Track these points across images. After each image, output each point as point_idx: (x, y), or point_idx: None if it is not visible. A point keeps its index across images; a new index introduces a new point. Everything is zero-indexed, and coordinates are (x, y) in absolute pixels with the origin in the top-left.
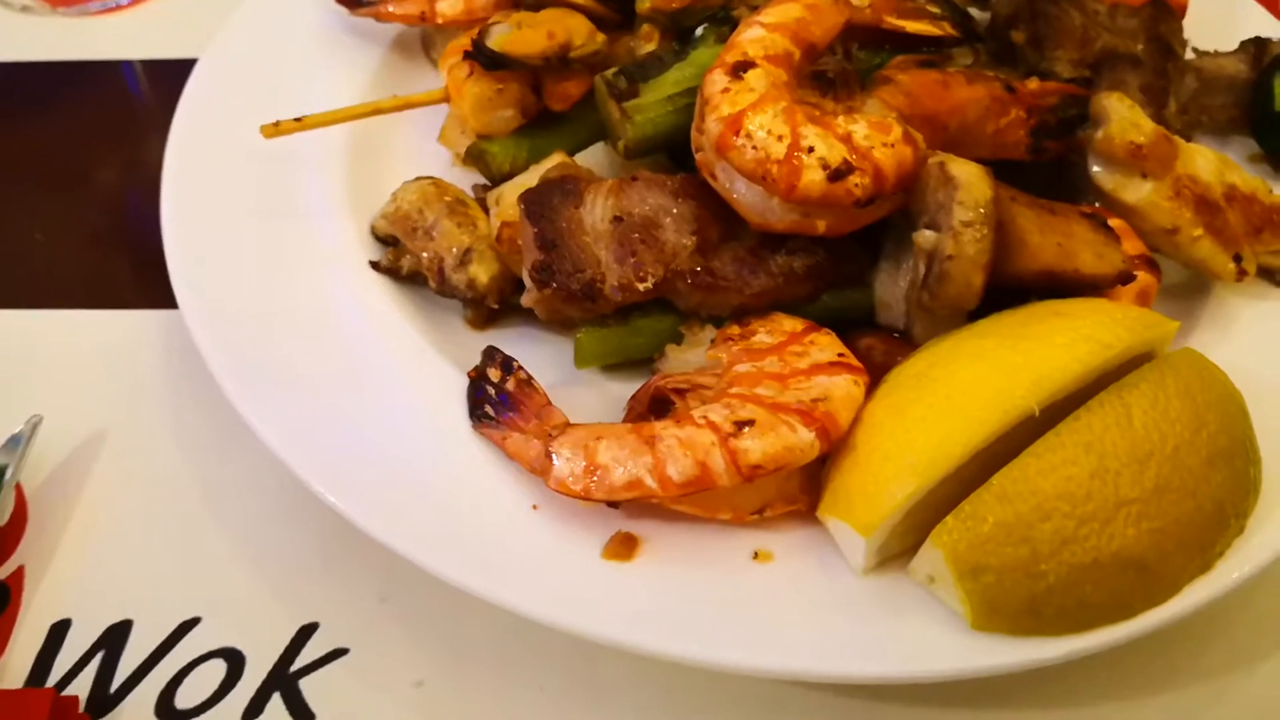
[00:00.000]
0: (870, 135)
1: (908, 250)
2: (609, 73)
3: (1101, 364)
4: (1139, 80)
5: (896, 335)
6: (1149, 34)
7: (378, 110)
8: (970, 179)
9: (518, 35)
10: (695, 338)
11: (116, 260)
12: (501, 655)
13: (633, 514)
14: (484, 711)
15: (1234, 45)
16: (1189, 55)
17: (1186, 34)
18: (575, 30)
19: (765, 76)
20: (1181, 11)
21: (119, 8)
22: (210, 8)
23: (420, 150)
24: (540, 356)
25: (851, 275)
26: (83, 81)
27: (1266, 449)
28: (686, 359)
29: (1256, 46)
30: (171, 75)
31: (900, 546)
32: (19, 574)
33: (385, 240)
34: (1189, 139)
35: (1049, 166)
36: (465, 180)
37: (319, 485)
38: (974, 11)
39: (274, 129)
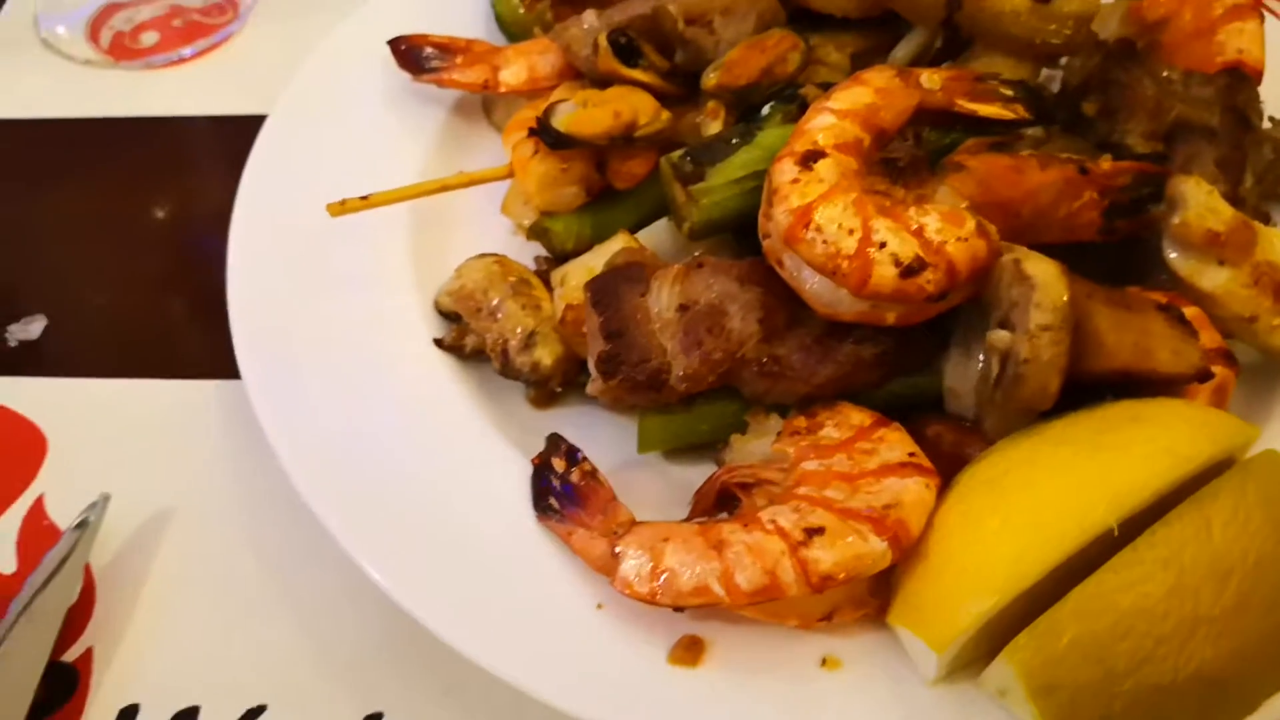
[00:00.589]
0: (943, 229)
1: (978, 338)
2: (674, 155)
3: (1181, 476)
4: (1214, 154)
5: (966, 424)
6: (1225, 104)
7: (445, 187)
8: (1048, 280)
9: (583, 115)
10: (761, 427)
11: (179, 328)
12: None
13: (698, 616)
14: None
15: None
16: (1265, 124)
17: (1264, 97)
18: (641, 109)
19: (836, 166)
20: (1258, 78)
21: (181, 61)
22: (274, 62)
23: (484, 218)
24: (603, 437)
25: (921, 361)
26: (145, 137)
27: None
28: (751, 449)
29: None
30: (235, 132)
31: (972, 656)
32: (88, 656)
33: (449, 316)
34: (1266, 212)
35: (1119, 246)
36: (528, 249)
37: (381, 577)
38: (1045, 71)
39: (340, 207)
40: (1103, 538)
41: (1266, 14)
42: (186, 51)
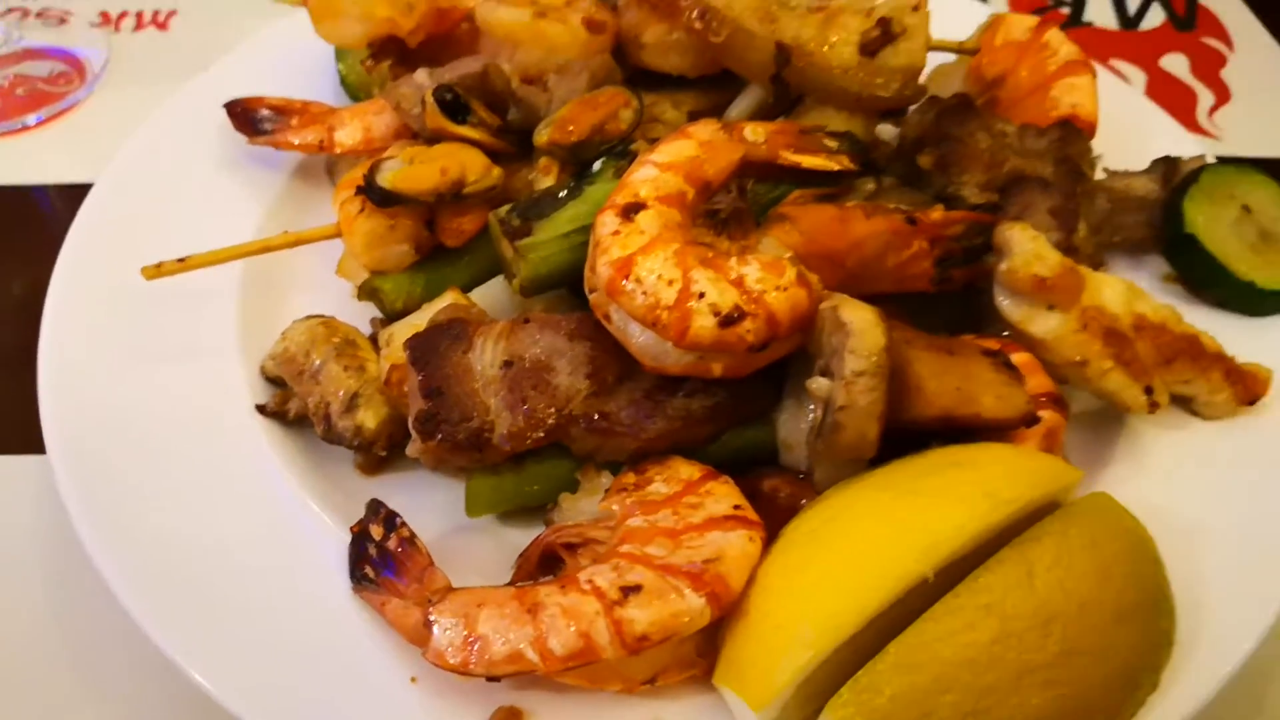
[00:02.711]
0: (763, 278)
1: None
2: (501, 210)
3: (1001, 520)
4: (1048, 204)
5: (801, 476)
6: (1057, 156)
7: (266, 248)
8: (863, 326)
9: (409, 172)
10: (591, 484)
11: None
12: None
13: (518, 685)
14: None
15: (1146, 161)
16: (1100, 174)
17: (1099, 150)
18: (469, 165)
19: (657, 218)
20: (1091, 131)
21: (24, 129)
22: (120, 130)
23: (321, 281)
24: (433, 503)
25: (754, 413)
26: None
27: (1182, 597)
28: (581, 508)
29: (1167, 166)
30: (77, 199)
31: (800, 714)
32: None
33: (274, 381)
34: (1101, 260)
35: (958, 295)
36: (365, 313)
37: (187, 663)
38: (888, 127)
39: (156, 270)
40: (921, 585)
41: (1105, 70)
42: (30, 120)
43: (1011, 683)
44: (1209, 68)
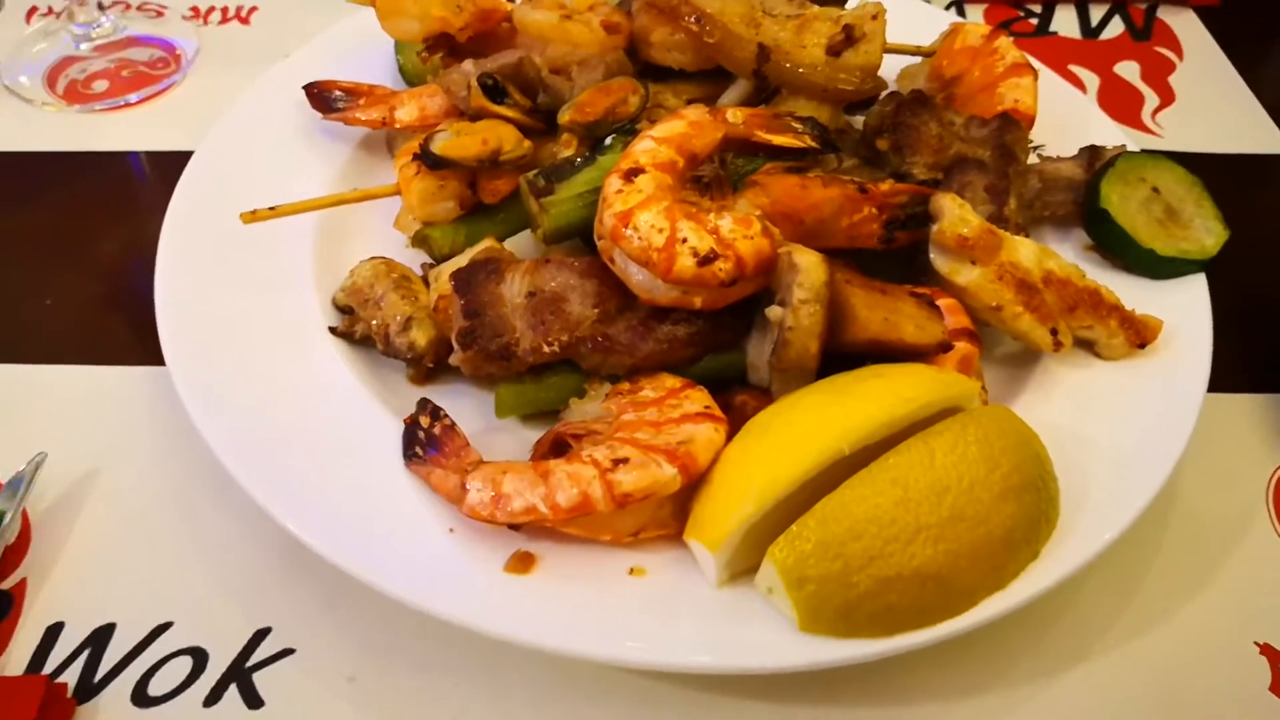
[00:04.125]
0: (734, 229)
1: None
2: (530, 174)
3: (906, 415)
4: (984, 181)
5: (765, 392)
6: (995, 142)
7: (341, 201)
8: (809, 265)
9: (457, 141)
10: (595, 392)
11: (115, 323)
12: (422, 654)
13: (533, 536)
14: (405, 701)
15: (1077, 150)
16: (1035, 159)
17: (1043, 140)
18: (505, 138)
19: (652, 180)
20: (1029, 123)
21: (127, 105)
22: (209, 108)
23: (380, 233)
24: (469, 407)
25: (727, 342)
26: (93, 169)
27: (1068, 492)
28: (586, 410)
29: (1091, 153)
30: (172, 165)
31: (749, 564)
32: (22, 585)
33: (344, 310)
34: (1026, 230)
35: (905, 254)
36: (416, 260)
37: (276, 512)
38: (858, 118)
39: (252, 216)
40: (845, 463)
41: (1058, 75)
42: (133, 98)
43: (909, 536)
44: (1158, 74)
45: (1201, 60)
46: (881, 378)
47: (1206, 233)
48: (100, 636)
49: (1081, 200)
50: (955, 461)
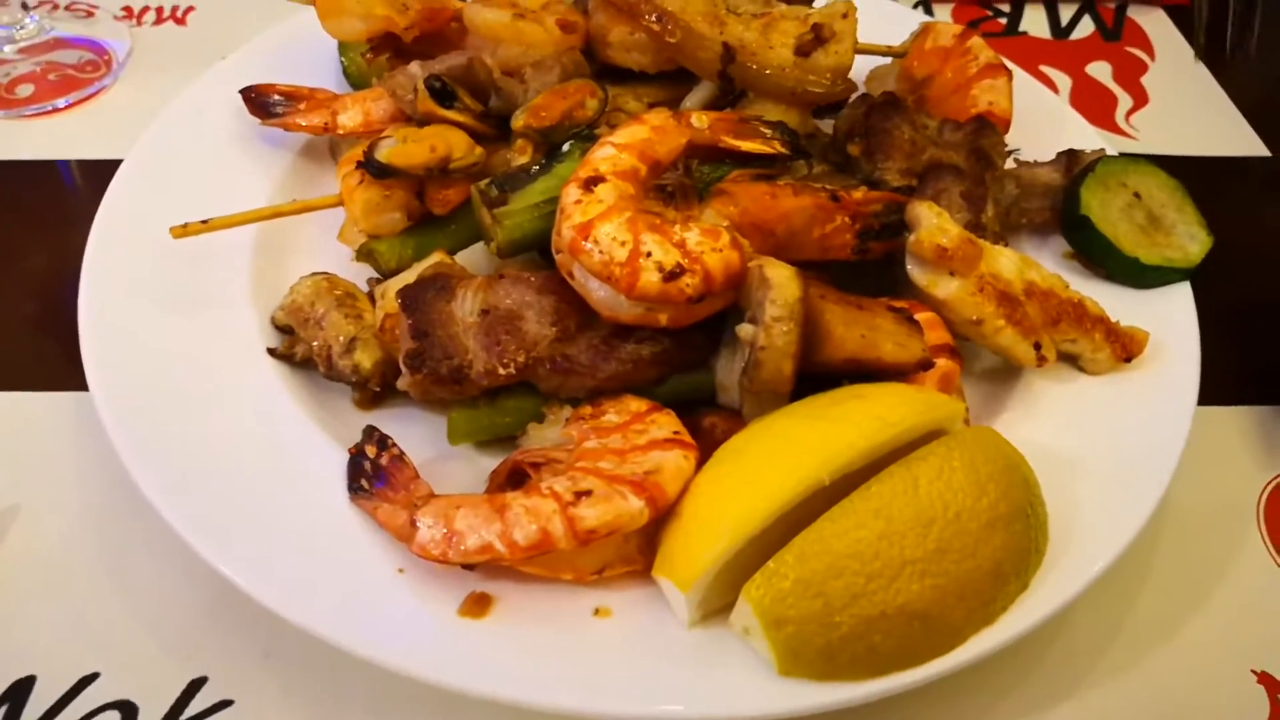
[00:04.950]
0: (701, 241)
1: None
2: (482, 183)
3: (888, 440)
4: (959, 188)
5: (735, 414)
6: (971, 147)
7: (278, 213)
8: (782, 280)
9: (403, 149)
10: (555, 416)
11: (39, 345)
12: (370, 705)
13: (488, 575)
14: None
15: (1053, 154)
16: (1012, 164)
17: (1018, 144)
18: (455, 144)
19: (613, 190)
20: (1005, 126)
21: (55, 110)
22: (142, 113)
23: (323, 247)
24: (419, 434)
25: (695, 361)
26: (18, 179)
27: (1056, 518)
28: (545, 436)
29: (1069, 157)
30: (102, 173)
31: (722, 602)
32: None
33: (283, 329)
34: (1005, 238)
35: (881, 265)
36: (362, 275)
37: (208, 553)
38: (827, 122)
39: (183, 230)
40: (824, 492)
41: (1030, 75)
42: (61, 103)
43: (893, 572)
44: (1130, 74)
45: (1174, 61)
46: (861, 399)
47: (1190, 239)
48: (19, 690)
49: (1059, 207)
50: (941, 490)
